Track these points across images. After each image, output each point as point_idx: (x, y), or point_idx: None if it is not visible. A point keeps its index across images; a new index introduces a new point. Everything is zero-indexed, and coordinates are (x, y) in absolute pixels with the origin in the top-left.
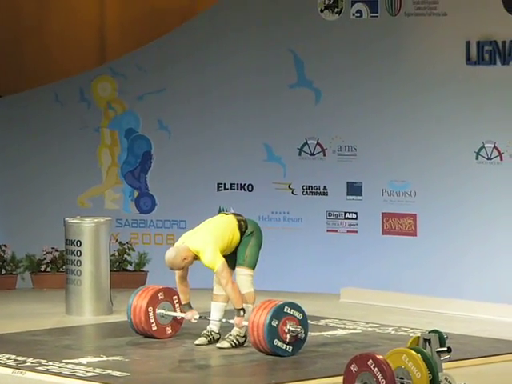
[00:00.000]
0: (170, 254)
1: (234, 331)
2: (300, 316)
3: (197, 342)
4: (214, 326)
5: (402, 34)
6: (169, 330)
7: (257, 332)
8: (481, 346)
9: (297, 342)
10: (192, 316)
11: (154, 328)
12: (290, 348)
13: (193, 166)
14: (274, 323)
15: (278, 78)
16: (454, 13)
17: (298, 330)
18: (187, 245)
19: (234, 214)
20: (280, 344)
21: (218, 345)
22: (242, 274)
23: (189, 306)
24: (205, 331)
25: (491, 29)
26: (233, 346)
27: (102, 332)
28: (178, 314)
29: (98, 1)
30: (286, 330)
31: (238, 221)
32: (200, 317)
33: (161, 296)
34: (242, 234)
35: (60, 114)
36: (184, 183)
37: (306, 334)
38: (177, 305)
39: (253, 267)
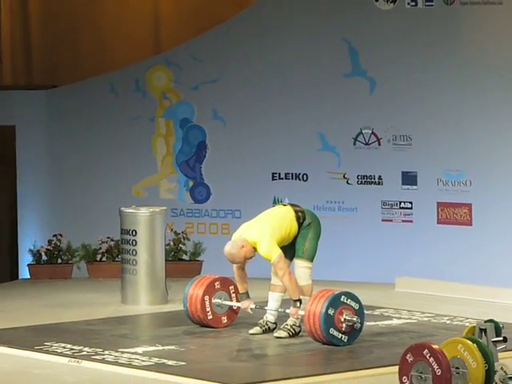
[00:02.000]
0: (227, 247)
1: (290, 321)
2: (356, 306)
3: (251, 331)
4: (270, 316)
5: (458, 22)
6: (224, 319)
7: (313, 320)
8: None
9: (352, 331)
10: (248, 305)
11: (210, 317)
12: (345, 337)
13: (247, 155)
14: (331, 312)
15: (332, 67)
16: (510, 1)
17: (354, 319)
18: (245, 237)
19: (292, 205)
20: (335, 333)
21: (276, 334)
22: (301, 266)
23: (246, 296)
24: (260, 321)
25: None
26: (290, 336)
27: (158, 321)
28: (235, 304)
29: None
30: (342, 320)
31: (296, 212)
32: (256, 306)
33: (217, 285)
34: (300, 225)
35: (115, 103)
36: (239, 173)
37: (361, 325)
38: (233, 295)
39: (311, 259)
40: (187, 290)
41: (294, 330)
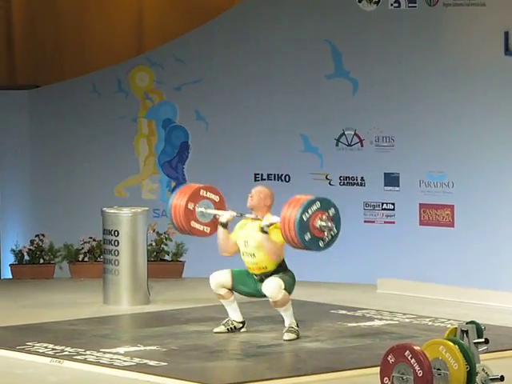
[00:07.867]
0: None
1: (287, 321)
2: (332, 211)
3: (216, 329)
4: (235, 315)
5: (440, 24)
6: (207, 229)
7: (288, 226)
8: None
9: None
10: (230, 214)
11: (194, 225)
12: (321, 243)
13: (230, 156)
14: (305, 217)
15: (315, 68)
16: (493, 3)
17: (329, 225)
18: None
19: None
20: (311, 238)
21: (285, 337)
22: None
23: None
24: (225, 320)
25: None
26: (298, 336)
27: (140, 322)
28: (218, 212)
29: None
30: (318, 226)
31: None
32: (241, 214)
33: (203, 193)
34: None
35: (98, 104)
36: (221, 174)
37: (338, 230)
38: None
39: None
40: (172, 198)
41: (297, 328)
